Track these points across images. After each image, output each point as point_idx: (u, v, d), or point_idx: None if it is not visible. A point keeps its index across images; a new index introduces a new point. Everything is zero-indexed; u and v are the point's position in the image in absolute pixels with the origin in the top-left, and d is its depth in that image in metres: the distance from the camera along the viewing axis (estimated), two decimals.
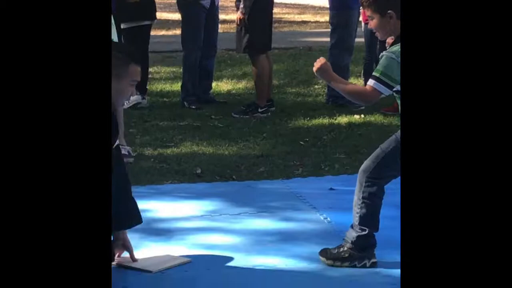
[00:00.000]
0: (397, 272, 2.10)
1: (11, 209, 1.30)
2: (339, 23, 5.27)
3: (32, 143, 1.33)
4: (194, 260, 2.54)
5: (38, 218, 1.31)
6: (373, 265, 2.53)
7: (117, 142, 2.43)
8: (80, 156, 1.36)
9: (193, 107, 5.02)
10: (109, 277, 1.43)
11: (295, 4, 14.46)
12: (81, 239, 1.34)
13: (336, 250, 2.55)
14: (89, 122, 1.38)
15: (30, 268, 1.29)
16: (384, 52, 2.48)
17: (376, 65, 2.77)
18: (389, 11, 2.37)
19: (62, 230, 1.32)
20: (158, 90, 5.81)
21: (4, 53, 1.32)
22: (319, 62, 2.41)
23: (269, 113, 5.05)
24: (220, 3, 5.57)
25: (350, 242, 2.54)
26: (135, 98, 4.63)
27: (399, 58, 2.30)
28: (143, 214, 2.55)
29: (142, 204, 2.63)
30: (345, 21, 5.21)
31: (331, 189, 3.44)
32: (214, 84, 5.62)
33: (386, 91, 2.36)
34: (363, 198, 2.56)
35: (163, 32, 9.52)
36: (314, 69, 2.40)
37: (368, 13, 2.48)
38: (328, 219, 3.10)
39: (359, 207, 2.55)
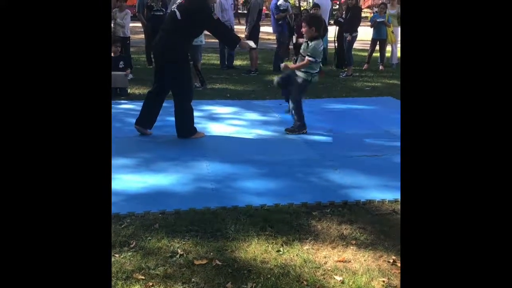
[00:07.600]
0: None
1: (14, 199, 1.20)
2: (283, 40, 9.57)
3: (35, 135, 1.24)
4: None
5: (40, 213, 1.23)
6: (304, 132, 4.73)
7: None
8: (82, 148, 1.26)
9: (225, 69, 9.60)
10: (109, 269, 1.33)
11: None
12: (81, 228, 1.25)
13: (290, 128, 4.86)
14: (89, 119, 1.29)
15: (32, 262, 1.21)
16: (311, 44, 4.66)
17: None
18: (312, 27, 4.59)
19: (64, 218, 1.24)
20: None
21: (4, 52, 1.24)
22: (285, 65, 4.91)
23: (256, 74, 9.04)
24: None
25: (295, 125, 4.81)
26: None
27: (317, 46, 4.54)
28: None
29: None
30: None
31: (280, 104, 6.08)
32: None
33: (313, 60, 4.63)
34: (295, 107, 4.77)
35: None
36: (286, 68, 4.90)
37: (304, 25, 4.67)
38: (280, 116, 5.67)
39: (294, 112, 4.78)
